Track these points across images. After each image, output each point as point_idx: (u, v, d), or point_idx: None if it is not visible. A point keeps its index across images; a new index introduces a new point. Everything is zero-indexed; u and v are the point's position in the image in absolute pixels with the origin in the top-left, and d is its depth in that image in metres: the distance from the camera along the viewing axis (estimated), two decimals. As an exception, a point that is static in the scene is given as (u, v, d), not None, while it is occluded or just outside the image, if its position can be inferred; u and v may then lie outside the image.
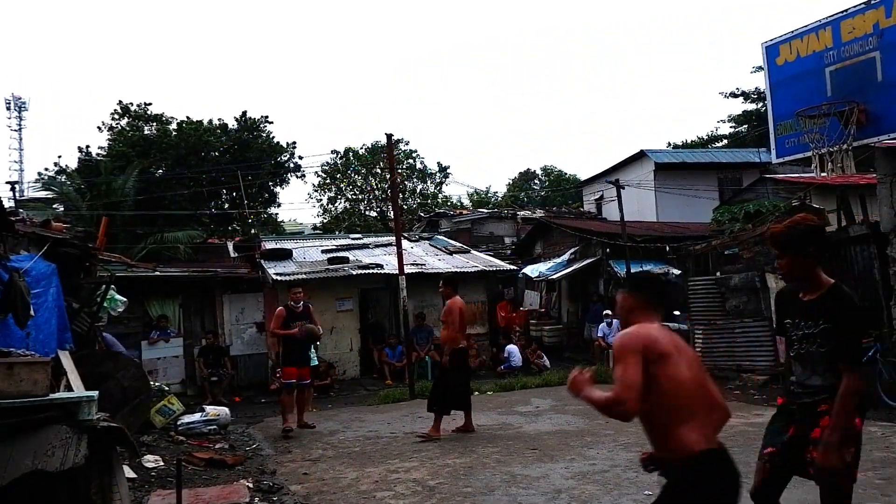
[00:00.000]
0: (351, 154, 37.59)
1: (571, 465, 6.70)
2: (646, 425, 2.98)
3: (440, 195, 39.76)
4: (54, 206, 21.87)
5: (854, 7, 10.76)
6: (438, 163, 42.85)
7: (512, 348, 16.04)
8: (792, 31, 11.80)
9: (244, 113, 28.53)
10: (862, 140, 10.64)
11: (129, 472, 6.47)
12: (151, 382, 9.72)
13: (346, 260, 17.45)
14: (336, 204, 37.93)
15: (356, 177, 37.09)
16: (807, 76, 11.47)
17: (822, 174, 11.29)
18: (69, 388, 5.87)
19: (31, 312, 5.97)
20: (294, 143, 29.93)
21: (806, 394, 3.45)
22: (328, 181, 37.35)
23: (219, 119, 28.42)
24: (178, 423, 9.74)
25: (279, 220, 33.84)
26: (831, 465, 3.19)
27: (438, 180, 39.32)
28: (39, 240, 7.79)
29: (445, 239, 22.81)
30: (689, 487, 2.81)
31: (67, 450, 4.03)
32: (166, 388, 10.80)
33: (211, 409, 10.05)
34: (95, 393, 4.81)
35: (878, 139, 10.49)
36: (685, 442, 2.80)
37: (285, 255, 17.99)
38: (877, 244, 10.31)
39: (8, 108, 43.93)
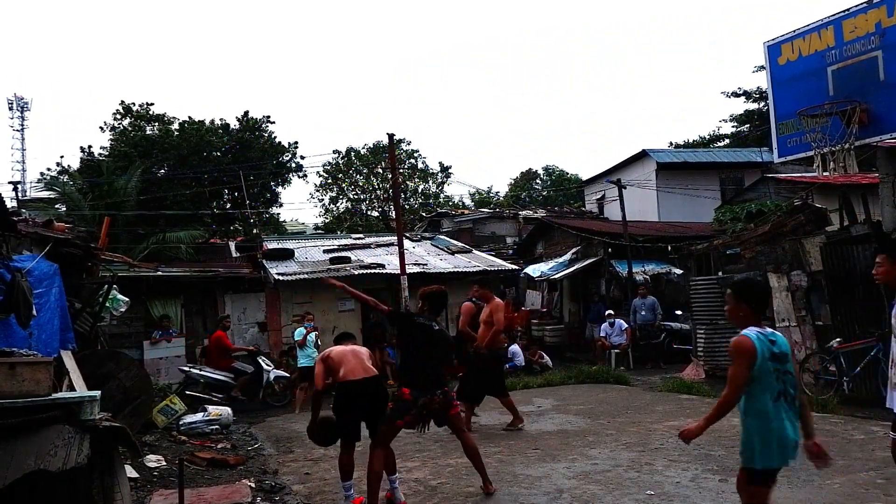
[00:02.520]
0: (352, 154, 37.63)
1: (573, 464, 6.70)
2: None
3: (442, 195, 39.79)
4: (56, 206, 21.87)
5: (856, 6, 10.75)
6: (440, 163, 43.02)
7: (515, 348, 16.04)
8: (794, 31, 11.80)
9: (246, 113, 28.56)
10: (864, 140, 10.63)
11: (131, 472, 6.49)
12: (154, 381, 9.76)
13: (347, 260, 17.48)
14: (338, 204, 37.99)
15: (358, 177, 37.12)
16: (809, 76, 11.46)
17: (824, 174, 11.28)
18: (71, 388, 5.89)
19: (34, 312, 5.99)
20: (296, 143, 29.89)
21: None
22: (330, 181, 37.38)
23: (220, 119, 28.48)
24: (180, 422, 9.76)
25: (281, 220, 33.86)
26: None
27: (440, 180, 39.35)
28: (41, 240, 7.80)
29: (447, 239, 22.85)
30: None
31: (69, 450, 4.03)
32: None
33: (213, 409, 10.06)
34: (97, 393, 4.82)
35: (881, 139, 10.48)
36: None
37: (287, 255, 18.03)
38: (879, 244, 10.30)
39: (10, 109, 44.11)
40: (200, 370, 12.86)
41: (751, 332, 3.68)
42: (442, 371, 5.83)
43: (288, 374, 13.67)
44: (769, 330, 3.77)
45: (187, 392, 12.42)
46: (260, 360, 13.30)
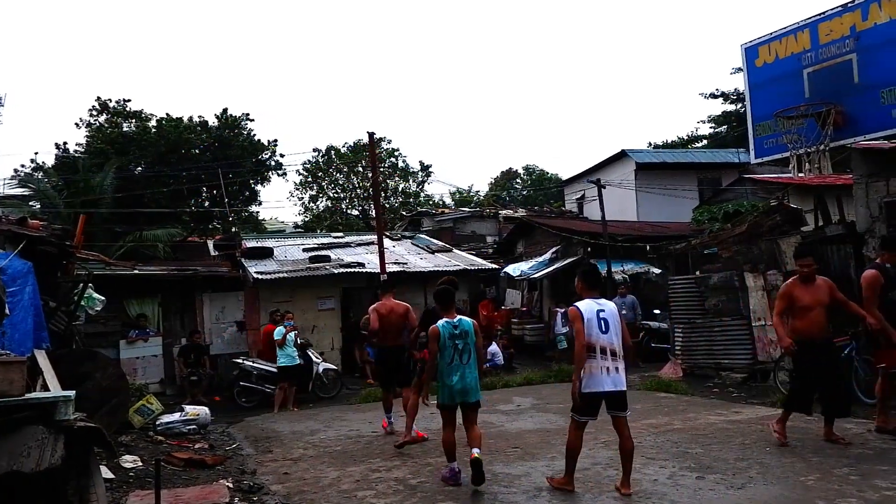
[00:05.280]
0: (333, 152, 37.46)
1: (553, 463, 6.73)
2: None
3: (422, 194, 39.77)
4: (31, 203, 21.53)
5: (832, 9, 10.91)
6: (420, 161, 42.90)
7: (493, 348, 16.08)
8: (771, 33, 11.94)
9: (225, 110, 28.28)
10: (839, 141, 10.79)
11: (106, 473, 6.41)
12: (130, 381, 9.65)
13: (327, 259, 17.40)
14: (318, 202, 37.80)
15: (338, 175, 36.97)
16: (785, 78, 11.61)
17: (800, 174, 11.44)
18: (45, 388, 5.80)
19: (7, 311, 5.89)
20: (275, 140, 29.48)
21: None
22: (310, 179, 37.18)
23: (199, 116, 28.12)
24: (157, 422, 9.66)
25: (260, 218, 33.59)
26: None
27: (420, 179, 39.33)
28: (15, 237, 7.69)
29: (427, 238, 22.84)
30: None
31: (44, 450, 3.97)
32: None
33: (190, 409, 9.97)
34: (72, 393, 4.75)
35: (855, 140, 10.64)
36: (380, 341, 8.73)
37: (266, 253, 17.91)
38: (853, 244, 10.46)
39: (-17, 104, 43.27)
40: (253, 362, 13.30)
41: (440, 322, 6.25)
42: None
43: (335, 367, 14.01)
44: (457, 318, 6.30)
45: (241, 383, 12.97)
46: (310, 353, 13.53)
